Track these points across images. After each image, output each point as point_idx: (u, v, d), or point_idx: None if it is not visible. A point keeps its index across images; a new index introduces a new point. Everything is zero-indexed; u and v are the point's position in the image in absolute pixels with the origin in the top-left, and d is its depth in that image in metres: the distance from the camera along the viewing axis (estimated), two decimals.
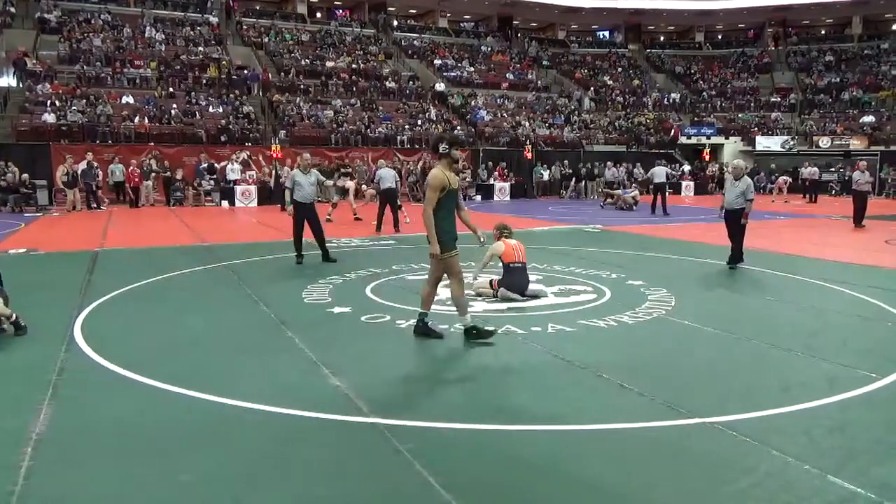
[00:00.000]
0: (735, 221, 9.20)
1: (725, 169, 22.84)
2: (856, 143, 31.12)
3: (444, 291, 7.41)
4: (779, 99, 36.28)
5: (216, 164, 21.98)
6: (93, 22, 28.34)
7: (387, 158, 24.92)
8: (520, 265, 7.08)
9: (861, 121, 32.53)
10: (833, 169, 30.22)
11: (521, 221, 16.17)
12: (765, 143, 32.44)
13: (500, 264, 7.20)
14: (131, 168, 20.34)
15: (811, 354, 5.11)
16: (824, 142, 31.85)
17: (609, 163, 25.63)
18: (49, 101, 22.54)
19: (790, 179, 26.53)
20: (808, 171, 25.18)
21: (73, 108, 22.49)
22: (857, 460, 3.31)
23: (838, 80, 36.49)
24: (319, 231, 9.62)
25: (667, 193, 18.78)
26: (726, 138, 33.40)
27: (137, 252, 11.03)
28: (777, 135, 33.14)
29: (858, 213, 15.16)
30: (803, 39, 41.96)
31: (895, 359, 4.84)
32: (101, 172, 19.99)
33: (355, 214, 16.20)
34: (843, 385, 4.37)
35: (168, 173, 21.17)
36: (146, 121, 23.17)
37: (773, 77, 38.78)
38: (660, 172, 18.63)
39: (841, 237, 13.80)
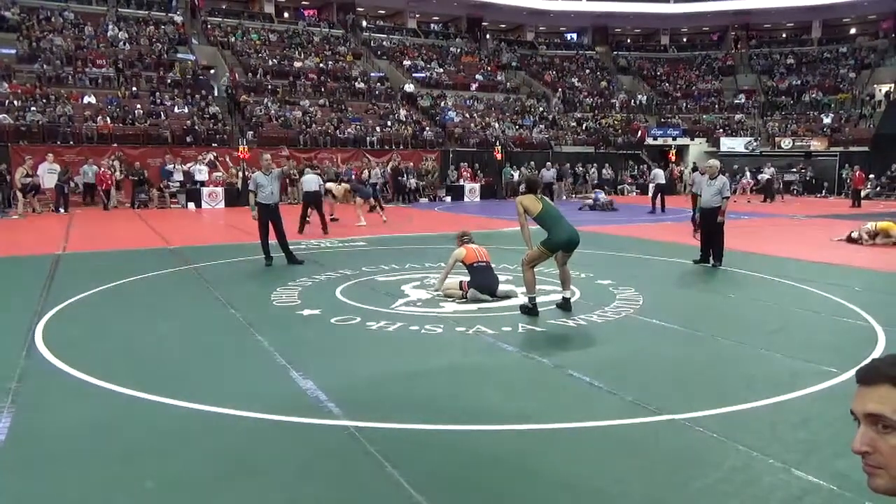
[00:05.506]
0: (712, 220, 9.40)
1: (693, 169, 23.45)
2: (816, 145, 31.87)
3: (415, 293, 7.43)
4: (742, 100, 37.03)
5: (176, 166, 21.59)
6: (53, 20, 27.67)
7: (356, 159, 24.89)
8: (483, 264, 7.14)
9: (823, 122, 33.31)
10: (794, 169, 30.98)
11: (492, 222, 16.24)
12: (729, 144, 33.05)
13: (465, 268, 7.24)
14: (103, 170, 19.90)
15: (774, 351, 5.22)
16: (786, 143, 32.58)
17: (548, 164, 25.80)
18: (7, 101, 21.94)
19: (752, 182, 27.48)
20: (769, 172, 26.60)
21: (33, 108, 21.92)
22: (820, 453, 3.39)
23: (799, 82, 37.37)
24: (282, 234, 9.55)
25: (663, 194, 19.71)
26: (692, 139, 33.94)
27: (101, 255, 10.81)
28: (741, 136, 33.81)
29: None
30: (765, 42, 42.89)
31: (854, 354, 4.96)
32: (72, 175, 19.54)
33: (332, 215, 16.07)
34: (804, 380, 4.47)
35: (142, 175, 20.79)
36: (108, 121, 22.69)
37: (737, 79, 39.54)
38: (660, 174, 20.05)
39: (794, 236, 14.13)
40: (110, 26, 28.33)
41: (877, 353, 5.06)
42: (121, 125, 22.85)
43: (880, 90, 34.30)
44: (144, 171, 21.13)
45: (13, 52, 25.00)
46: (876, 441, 1.18)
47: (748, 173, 28.14)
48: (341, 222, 15.30)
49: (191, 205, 20.67)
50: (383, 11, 41.66)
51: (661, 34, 44.82)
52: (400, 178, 23.84)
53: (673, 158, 29.09)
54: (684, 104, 37.67)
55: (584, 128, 33.65)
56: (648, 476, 3.19)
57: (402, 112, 29.30)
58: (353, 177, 20.68)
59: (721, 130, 34.43)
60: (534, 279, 6.42)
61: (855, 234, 12.22)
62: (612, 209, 20.26)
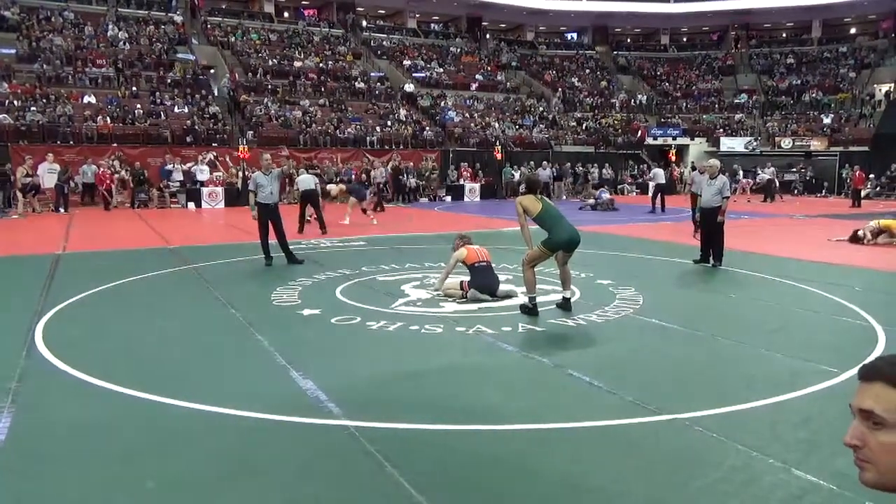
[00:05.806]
0: (712, 219, 9.42)
1: (692, 168, 23.57)
2: (816, 144, 31.86)
3: (415, 292, 7.43)
4: (744, 99, 37.02)
5: (176, 166, 21.58)
6: (53, 20, 27.67)
7: (356, 159, 24.88)
8: (484, 263, 7.14)
9: (823, 122, 33.28)
10: (794, 169, 30.97)
11: (492, 222, 16.24)
12: (729, 143, 33.04)
13: (466, 268, 7.24)
14: (102, 170, 19.91)
15: (774, 350, 5.22)
16: (786, 142, 32.58)
17: (545, 163, 25.89)
18: (7, 101, 21.94)
19: (751, 182, 27.56)
20: (769, 172, 26.73)
21: (33, 108, 21.92)
22: (820, 453, 3.39)
23: (799, 82, 37.36)
24: (282, 233, 9.55)
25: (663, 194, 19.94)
26: (692, 139, 33.93)
27: (101, 255, 10.81)
28: (741, 136, 33.80)
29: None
30: (765, 42, 42.89)
31: (854, 353, 4.96)
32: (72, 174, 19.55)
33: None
34: (804, 380, 4.47)
35: (142, 175, 20.81)
36: (108, 121, 22.68)
37: (737, 79, 39.53)
38: (660, 174, 20.20)
39: (794, 235, 14.12)
40: (110, 26, 28.32)
41: (877, 353, 5.06)
42: (121, 125, 22.85)
43: (880, 90, 34.28)
44: (144, 170, 21.13)
45: (13, 51, 24.99)
46: (866, 436, 1.23)
47: (741, 172, 28.06)
48: (340, 222, 15.27)
49: (191, 204, 20.68)
50: (383, 11, 41.64)
51: (661, 34, 44.81)
52: (400, 177, 23.85)
53: (673, 158, 29.19)
54: (684, 104, 37.67)
55: (584, 127, 33.64)
56: (648, 476, 3.19)
57: (402, 112, 29.30)
58: (353, 177, 20.68)
59: (721, 130, 34.42)
60: (534, 279, 6.42)
61: (861, 233, 12.26)
62: (612, 209, 20.32)
